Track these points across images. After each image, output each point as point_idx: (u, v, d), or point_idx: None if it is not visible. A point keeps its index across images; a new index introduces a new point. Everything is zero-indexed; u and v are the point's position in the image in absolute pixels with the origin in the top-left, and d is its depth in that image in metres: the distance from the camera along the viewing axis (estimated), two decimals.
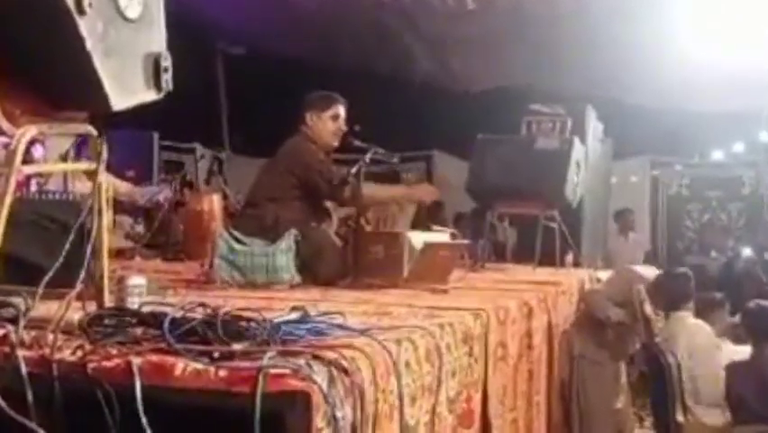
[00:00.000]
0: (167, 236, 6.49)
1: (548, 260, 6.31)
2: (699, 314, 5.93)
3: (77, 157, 4.20)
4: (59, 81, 2.19)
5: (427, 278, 4.35)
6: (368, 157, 4.73)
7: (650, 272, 6.03)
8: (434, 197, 5.51)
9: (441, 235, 5.02)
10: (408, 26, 8.77)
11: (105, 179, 2.52)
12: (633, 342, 5.96)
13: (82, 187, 5.39)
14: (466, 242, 5.64)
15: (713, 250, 10.28)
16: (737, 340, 6.00)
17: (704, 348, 5.58)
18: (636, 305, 5.67)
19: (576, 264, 6.89)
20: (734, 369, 5.41)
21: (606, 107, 8.07)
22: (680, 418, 5.45)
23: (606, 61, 8.78)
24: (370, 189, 4.86)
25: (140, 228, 6.48)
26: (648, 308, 5.71)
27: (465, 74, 10.44)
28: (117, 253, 5.25)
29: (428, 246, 4.48)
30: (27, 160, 2.39)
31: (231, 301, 2.89)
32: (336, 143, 4.97)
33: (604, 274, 6.61)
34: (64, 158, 5.21)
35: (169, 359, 2.02)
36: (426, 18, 8.25)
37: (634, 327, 5.78)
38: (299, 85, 5.68)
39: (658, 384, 5.61)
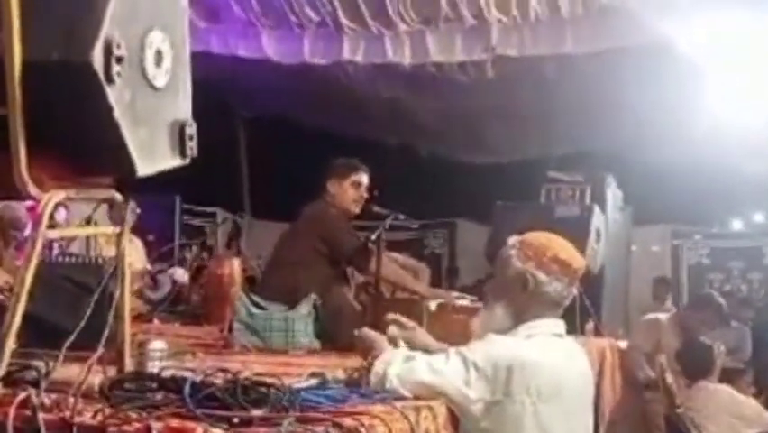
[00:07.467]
0: (186, 301, 6.51)
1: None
2: (721, 383, 5.87)
3: None
4: (87, 148, 2.22)
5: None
6: (387, 223, 4.74)
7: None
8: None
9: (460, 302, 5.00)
10: (432, 98, 8.87)
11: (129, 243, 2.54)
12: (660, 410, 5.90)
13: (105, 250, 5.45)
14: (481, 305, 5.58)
15: (733, 320, 10.18)
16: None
17: (726, 414, 5.52)
18: (659, 375, 5.62)
19: (597, 333, 6.82)
20: None
21: (626, 173, 8.08)
22: None
23: (628, 124, 8.81)
24: (395, 271, 4.83)
25: (158, 294, 6.50)
26: (670, 378, 5.65)
27: (489, 144, 10.51)
28: (136, 317, 5.25)
29: (441, 307, 4.48)
30: (51, 223, 2.41)
31: (250, 366, 2.89)
32: (357, 210, 4.99)
33: (625, 344, 6.55)
34: (88, 221, 5.27)
35: (189, 424, 2.01)
36: (449, 89, 8.33)
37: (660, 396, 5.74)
38: (321, 151, 5.72)
39: None
